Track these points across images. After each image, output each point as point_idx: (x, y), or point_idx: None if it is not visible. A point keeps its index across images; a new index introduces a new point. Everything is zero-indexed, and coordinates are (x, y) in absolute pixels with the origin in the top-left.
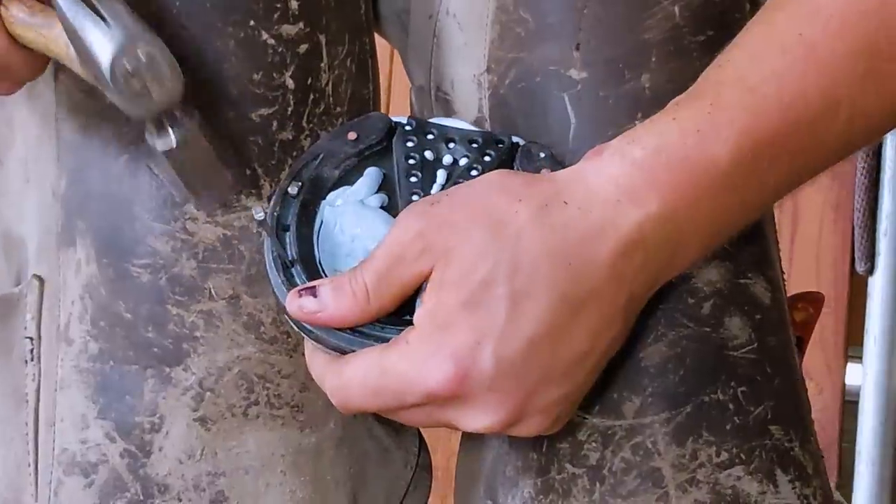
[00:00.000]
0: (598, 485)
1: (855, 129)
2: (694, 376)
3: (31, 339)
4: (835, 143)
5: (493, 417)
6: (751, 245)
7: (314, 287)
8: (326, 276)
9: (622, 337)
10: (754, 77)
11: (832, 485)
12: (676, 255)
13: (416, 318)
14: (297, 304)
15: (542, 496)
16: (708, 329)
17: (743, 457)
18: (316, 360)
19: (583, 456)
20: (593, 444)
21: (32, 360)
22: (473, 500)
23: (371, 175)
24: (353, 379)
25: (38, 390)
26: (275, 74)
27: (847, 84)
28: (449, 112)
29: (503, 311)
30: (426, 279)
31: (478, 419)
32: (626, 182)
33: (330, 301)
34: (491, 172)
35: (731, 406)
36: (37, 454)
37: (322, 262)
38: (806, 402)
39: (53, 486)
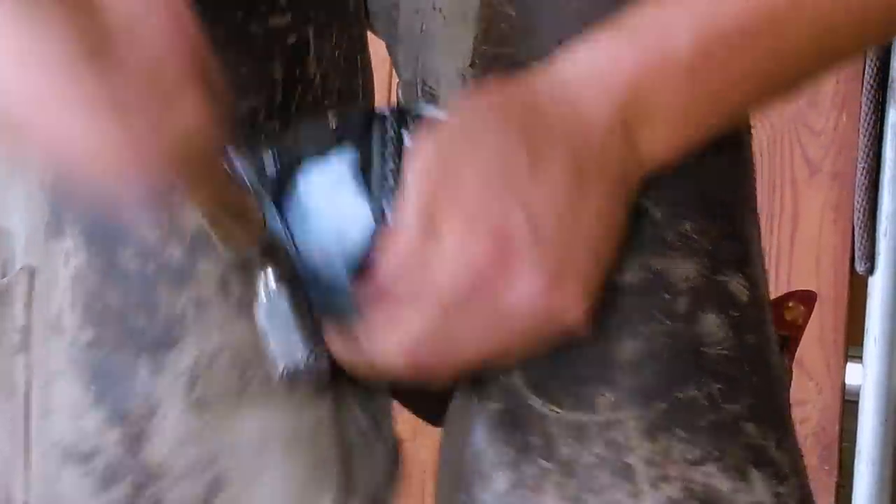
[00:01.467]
0: (570, 480)
1: (820, 33)
2: (668, 372)
3: (21, 329)
4: (800, 43)
5: (538, 279)
6: (729, 242)
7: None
8: (298, 249)
9: (623, 219)
10: None
11: (832, 484)
12: (650, 138)
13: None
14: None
15: (514, 490)
16: (683, 325)
17: (716, 454)
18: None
19: (555, 451)
20: (566, 439)
21: (23, 350)
22: (452, 494)
23: (349, 160)
24: (401, 322)
25: (28, 381)
26: (263, 66)
27: None
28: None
29: (524, 162)
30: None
31: (524, 283)
32: (596, 66)
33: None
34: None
35: (705, 403)
36: (28, 445)
37: (296, 239)
38: (785, 401)
39: (51, 476)
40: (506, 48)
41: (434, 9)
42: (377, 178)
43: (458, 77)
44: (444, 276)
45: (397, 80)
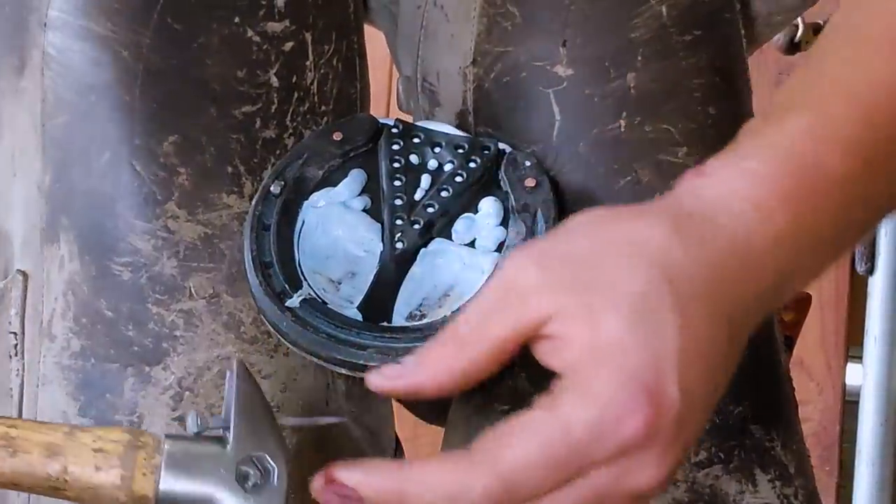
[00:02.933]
0: None
1: None
2: None
3: (15, 333)
4: None
5: (667, 464)
6: None
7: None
8: (305, 277)
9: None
10: (857, 85)
11: (833, 484)
12: (797, 271)
13: (574, 357)
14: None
15: None
16: None
17: (722, 456)
18: (439, 473)
19: None
20: None
21: (16, 355)
22: None
23: (355, 177)
24: (526, 457)
25: (21, 385)
26: (259, 72)
27: None
28: (434, 103)
29: (674, 323)
30: (544, 322)
31: (651, 469)
32: (746, 193)
33: (413, 360)
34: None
35: None
36: None
37: (301, 263)
38: (791, 402)
39: None
40: (508, 47)
41: (436, 5)
42: (386, 199)
43: (458, 74)
44: (586, 438)
45: (397, 77)
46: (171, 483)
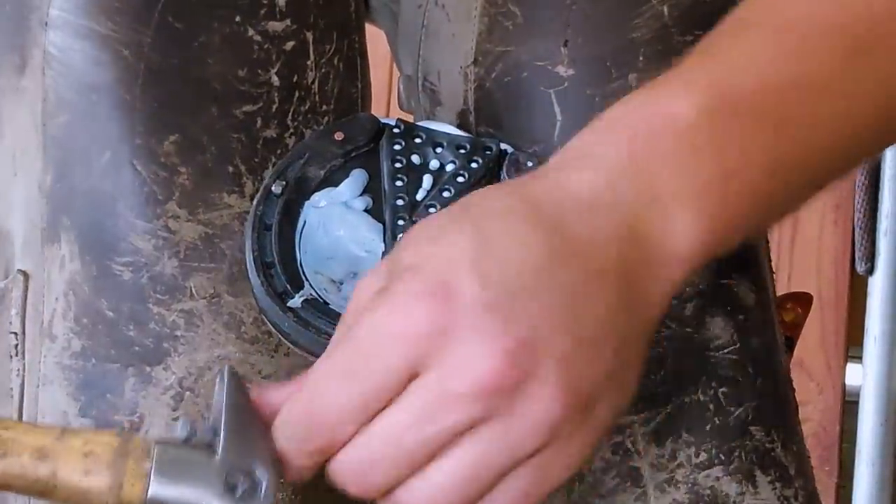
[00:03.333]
0: (577, 483)
1: (852, 106)
2: (675, 377)
3: (16, 334)
4: (829, 119)
5: (495, 352)
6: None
7: None
8: (307, 277)
9: (632, 324)
10: (717, 48)
11: (833, 484)
12: (666, 223)
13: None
14: None
15: None
16: (690, 330)
17: (722, 457)
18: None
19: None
20: None
21: (17, 355)
22: None
23: (356, 177)
24: (318, 372)
25: (22, 385)
26: (260, 71)
27: (829, 55)
28: (435, 102)
29: (467, 235)
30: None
31: (474, 358)
32: (583, 149)
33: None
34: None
35: (711, 406)
36: None
37: (303, 263)
38: (791, 403)
39: None
40: (509, 46)
41: (437, 5)
42: (388, 199)
43: (459, 74)
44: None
45: (398, 76)
46: (159, 490)
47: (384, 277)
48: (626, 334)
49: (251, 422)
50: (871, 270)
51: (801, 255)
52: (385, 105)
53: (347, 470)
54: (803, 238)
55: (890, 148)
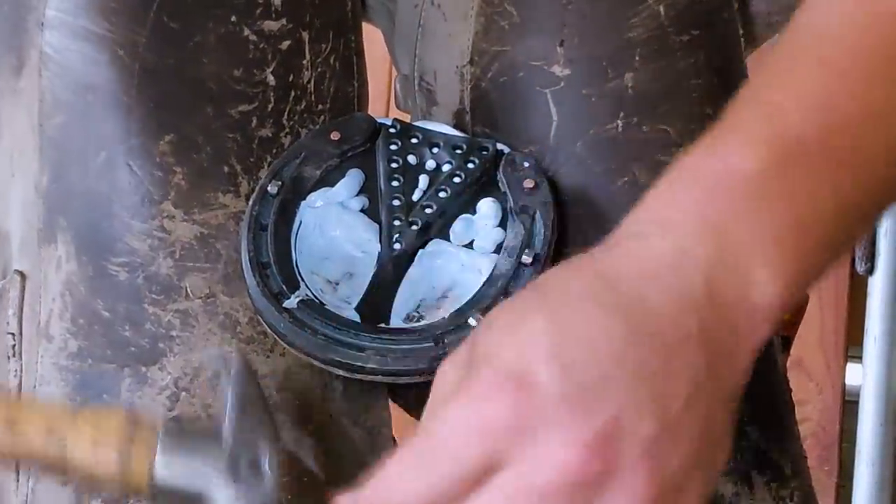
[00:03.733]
0: None
1: None
2: None
3: (13, 334)
4: (883, 152)
5: (576, 444)
6: None
7: None
8: (302, 278)
9: (717, 392)
10: (769, 92)
11: (832, 484)
12: (745, 282)
13: None
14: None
15: None
16: None
17: None
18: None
19: None
20: None
21: (14, 355)
22: None
23: (353, 177)
24: (393, 464)
25: (19, 386)
26: (255, 71)
27: (878, 89)
28: (431, 102)
29: (542, 323)
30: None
31: (555, 453)
32: (650, 216)
33: None
34: None
35: None
36: None
37: (299, 264)
38: (787, 403)
39: (32, 484)
40: (505, 46)
41: (433, 4)
42: (384, 199)
43: (455, 74)
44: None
45: (395, 75)
46: (165, 471)
47: (462, 366)
48: (713, 406)
49: (257, 409)
50: (871, 270)
51: None
52: (384, 105)
53: None
54: None
55: None
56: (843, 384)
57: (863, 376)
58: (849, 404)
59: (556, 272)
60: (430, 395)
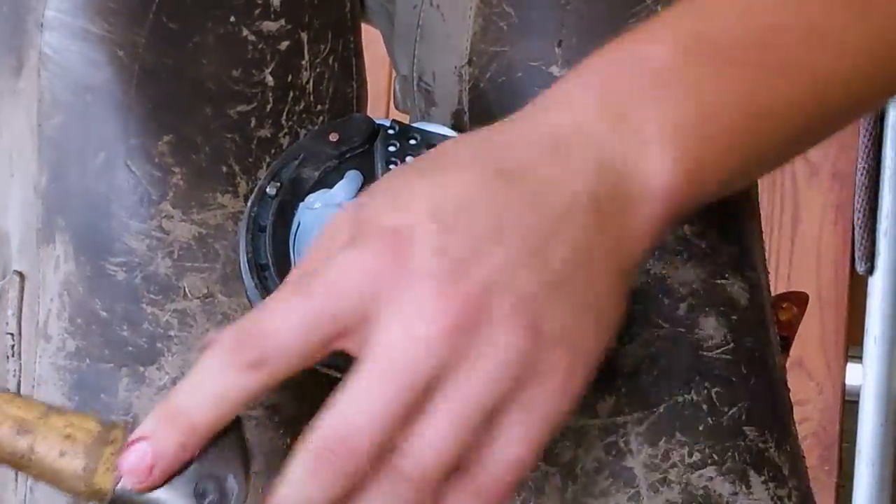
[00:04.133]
0: (570, 483)
1: (839, 66)
2: (667, 376)
3: (12, 335)
4: (810, 70)
5: (451, 296)
6: (729, 245)
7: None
8: None
9: (606, 258)
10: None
11: (833, 484)
12: (642, 159)
13: None
14: None
15: (515, 493)
16: (683, 329)
17: (715, 457)
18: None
19: (556, 454)
20: (566, 443)
21: (13, 356)
22: None
23: (351, 178)
24: (268, 316)
25: (18, 386)
26: (254, 71)
27: (824, 10)
28: (430, 103)
29: (425, 183)
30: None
31: (431, 304)
32: (557, 93)
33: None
34: None
35: (704, 406)
36: None
37: (297, 265)
38: (785, 403)
39: (30, 483)
40: (503, 47)
41: (432, 5)
42: None
43: (454, 74)
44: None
45: (395, 76)
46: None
47: (349, 220)
48: (600, 271)
49: (229, 431)
50: (871, 270)
51: (801, 255)
52: (384, 105)
53: (327, 441)
54: (803, 238)
55: (890, 148)
56: (843, 384)
57: (863, 376)
58: (849, 404)
59: (455, 140)
60: (314, 242)
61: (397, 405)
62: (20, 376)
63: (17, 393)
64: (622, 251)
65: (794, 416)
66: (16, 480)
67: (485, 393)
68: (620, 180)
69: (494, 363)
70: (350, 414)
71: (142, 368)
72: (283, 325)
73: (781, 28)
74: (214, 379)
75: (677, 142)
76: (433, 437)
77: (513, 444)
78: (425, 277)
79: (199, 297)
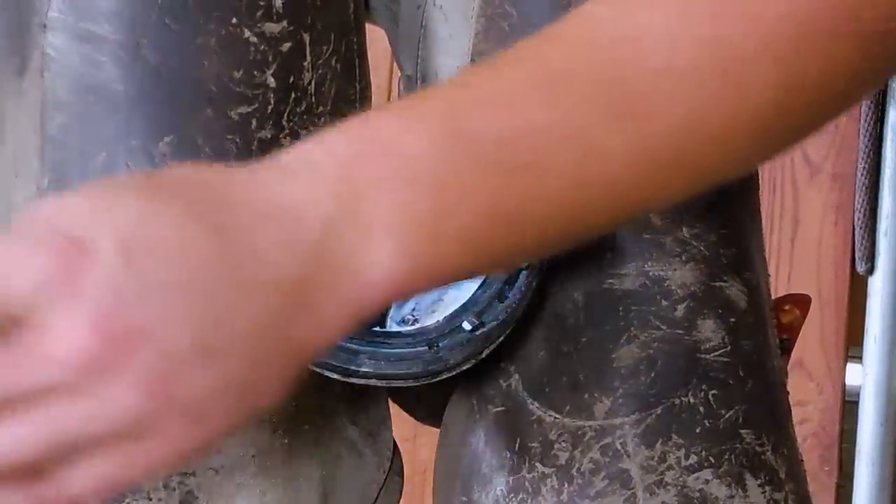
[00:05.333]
0: (566, 485)
1: (592, 171)
2: (665, 378)
3: None
4: (564, 179)
5: (100, 329)
6: (727, 247)
7: None
8: None
9: (288, 338)
10: (474, 78)
11: (833, 484)
12: (363, 249)
13: None
14: None
15: (513, 494)
16: (680, 331)
17: (712, 460)
18: None
19: (553, 455)
20: (563, 444)
21: None
22: (450, 496)
23: None
24: None
25: None
26: (256, 72)
27: (582, 110)
28: None
29: (133, 205)
30: None
31: (79, 328)
32: (305, 154)
33: None
34: None
35: (701, 409)
36: None
37: None
38: (783, 405)
39: None
40: (505, 47)
41: (435, 5)
42: None
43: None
44: None
45: (398, 76)
46: None
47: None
48: (269, 355)
49: None
50: (871, 270)
51: (801, 255)
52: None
53: None
54: (803, 238)
55: (890, 148)
56: (844, 384)
57: (863, 376)
58: (849, 404)
59: (196, 166)
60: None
61: None
62: None
63: None
64: (304, 342)
65: (794, 416)
66: None
67: (79, 428)
68: (332, 266)
69: (104, 409)
70: None
71: None
72: None
73: (540, 131)
74: None
75: (404, 237)
76: (16, 438)
77: (87, 477)
78: (87, 303)
79: None
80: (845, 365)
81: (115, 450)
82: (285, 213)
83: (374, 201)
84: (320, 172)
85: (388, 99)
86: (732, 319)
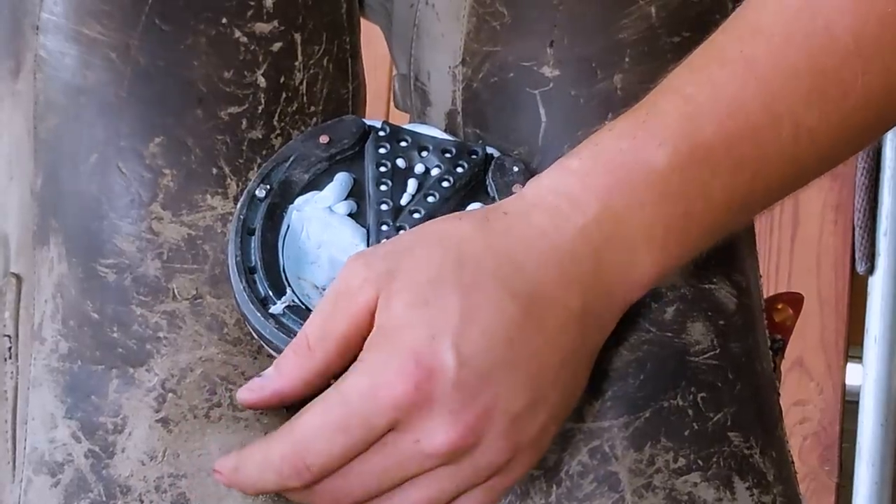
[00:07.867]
0: (554, 487)
1: (802, 148)
2: (654, 381)
3: (9, 336)
4: (781, 160)
5: (458, 425)
6: (718, 250)
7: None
8: (289, 283)
9: (584, 355)
10: (690, 87)
11: (833, 484)
12: (630, 263)
13: (367, 339)
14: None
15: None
16: (670, 334)
17: (700, 463)
18: (256, 448)
19: (542, 458)
20: (552, 447)
21: (10, 357)
22: None
23: (341, 181)
24: (311, 424)
25: (15, 388)
26: (246, 72)
27: (789, 99)
28: (425, 102)
29: (455, 304)
30: (371, 313)
31: (442, 430)
32: (564, 189)
33: (272, 371)
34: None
35: (690, 412)
36: (14, 451)
37: (286, 269)
38: (773, 408)
39: (24, 485)
40: (496, 47)
41: (427, 4)
42: (372, 204)
43: (448, 74)
44: (360, 404)
45: (394, 74)
46: None
47: (373, 282)
48: (579, 370)
49: None
50: (871, 270)
51: (801, 255)
52: (385, 104)
53: (324, 496)
54: (803, 238)
55: (890, 148)
56: (844, 384)
57: (863, 376)
58: (849, 404)
59: (472, 235)
60: (330, 289)
61: (389, 484)
62: (17, 378)
63: (15, 396)
64: (597, 344)
65: (794, 416)
66: (11, 482)
67: (457, 485)
68: (610, 289)
69: (477, 471)
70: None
71: (131, 370)
72: (329, 458)
73: (757, 126)
74: (266, 485)
75: (661, 246)
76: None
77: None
78: (442, 409)
79: (187, 299)
80: (845, 365)
81: (482, 491)
82: (563, 255)
83: (633, 223)
84: (582, 208)
85: (388, 101)
86: (722, 322)
